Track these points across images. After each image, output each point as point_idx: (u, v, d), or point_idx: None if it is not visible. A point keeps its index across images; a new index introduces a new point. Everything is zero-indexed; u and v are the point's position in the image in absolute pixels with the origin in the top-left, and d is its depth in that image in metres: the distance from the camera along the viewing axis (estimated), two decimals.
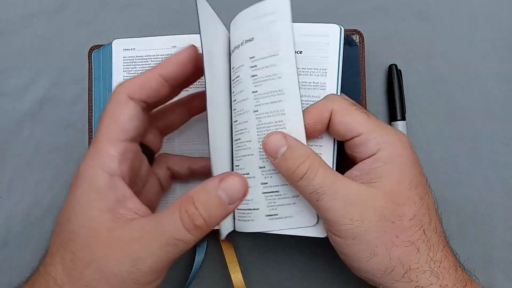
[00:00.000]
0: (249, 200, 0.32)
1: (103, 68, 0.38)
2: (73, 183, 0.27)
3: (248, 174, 0.32)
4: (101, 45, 0.40)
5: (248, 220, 0.33)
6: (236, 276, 0.36)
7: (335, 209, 0.28)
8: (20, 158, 0.40)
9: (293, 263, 0.39)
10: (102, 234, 0.25)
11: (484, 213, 0.39)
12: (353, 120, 0.30)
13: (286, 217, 0.32)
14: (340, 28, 0.33)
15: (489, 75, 0.40)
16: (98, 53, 0.39)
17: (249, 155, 0.32)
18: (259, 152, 0.32)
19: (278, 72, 0.31)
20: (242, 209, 0.33)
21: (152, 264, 0.25)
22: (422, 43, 0.41)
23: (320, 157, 0.30)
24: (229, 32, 0.34)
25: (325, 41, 0.33)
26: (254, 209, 0.32)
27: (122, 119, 0.28)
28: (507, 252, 0.38)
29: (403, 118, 0.39)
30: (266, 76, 0.31)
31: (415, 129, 0.40)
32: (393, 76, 0.39)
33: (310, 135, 0.31)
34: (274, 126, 0.31)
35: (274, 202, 0.32)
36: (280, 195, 0.32)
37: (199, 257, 0.38)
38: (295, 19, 0.41)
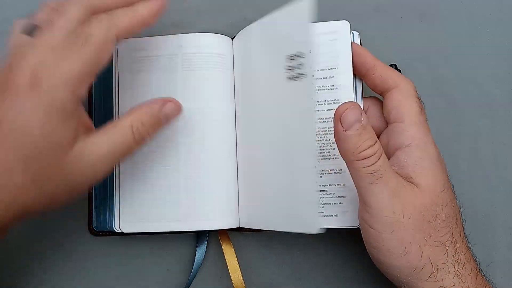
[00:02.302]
0: None
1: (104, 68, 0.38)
2: None
3: None
4: None
5: None
6: (236, 276, 0.36)
7: (383, 197, 0.29)
8: None
9: (293, 263, 0.39)
10: None
11: (484, 213, 0.39)
12: (406, 106, 0.31)
13: (331, 216, 0.34)
14: (349, 24, 0.35)
15: (489, 75, 0.40)
16: None
17: None
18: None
19: (336, 84, 0.35)
20: None
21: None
22: (422, 43, 0.41)
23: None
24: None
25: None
26: None
27: None
28: (507, 252, 0.38)
29: None
30: (323, 86, 0.35)
31: None
32: None
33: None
34: (328, 130, 0.35)
35: (322, 201, 0.34)
36: (328, 194, 0.34)
37: (199, 257, 0.38)
38: None
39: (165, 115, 0.31)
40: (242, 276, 0.36)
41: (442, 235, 0.29)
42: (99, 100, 0.38)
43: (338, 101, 0.35)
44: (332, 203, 0.34)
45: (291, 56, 0.31)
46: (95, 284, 0.38)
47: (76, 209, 0.39)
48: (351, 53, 0.35)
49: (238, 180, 0.37)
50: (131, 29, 0.30)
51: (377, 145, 0.29)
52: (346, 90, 0.35)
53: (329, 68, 0.35)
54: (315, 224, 0.29)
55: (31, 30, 0.29)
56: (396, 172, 0.30)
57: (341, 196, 0.34)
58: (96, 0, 0.29)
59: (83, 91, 0.28)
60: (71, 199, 0.29)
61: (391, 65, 0.40)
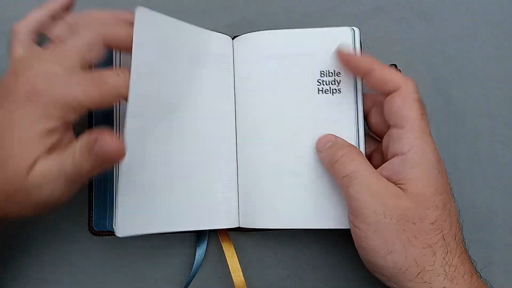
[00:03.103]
0: None
1: (104, 68, 0.38)
2: None
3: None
4: None
5: None
6: (237, 275, 0.36)
7: (362, 199, 0.30)
8: None
9: (293, 262, 0.39)
10: None
11: (484, 213, 0.39)
12: (408, 111, 0.31)
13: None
14: (354, 31, 0.35)
15: (489, 75, 0.40)
16: None
17: None
18: None
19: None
20: None
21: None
22: (422, 43, 0.41)
23: (361, 152, 0.33)
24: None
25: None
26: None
27: None
28: (507, 252, 0.38)
29: None
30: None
31: None
32: None
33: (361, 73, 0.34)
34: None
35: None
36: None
37: (199, 257, 0.38)
38: (294, 19, 0.41)
39: (101, 154, 0.27)
40: (243, 275, 0.36)
41: (430, 238, 0.29)
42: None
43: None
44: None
45: (324, 72, 0.35)
46: (95, 284, 0.38)
47: (76, 209, 0.39)
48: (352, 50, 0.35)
49: (238, 179, 0.37)
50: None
51: (348, 149, 0.32)
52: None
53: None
54: (346, 219, 0.32)
55: (43, 41, 0.29)
56: (387, 177, 0.31)
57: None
58: (110, 31, 0.30)
59: (73, 119, 0.28)
60: (39, 214, 0.30)
61: (391, 65, 0.40)
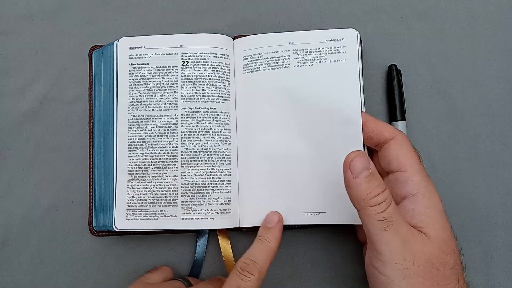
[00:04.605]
0: None
1: (104, 68, 0.38)
2: None
3: None
4: (102, 45, 0.40)
5: None
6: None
7: (394, 244, 0.29)
8: (20, 158, 0.40)
9: (293, 263, 0.39)
10: None
11: (484, 213, 0.39)
12: (407, 155, 0.32)
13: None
14: (358, 33, 0.35)
15: (489, 75, 0.40)
16: (99, 53, 0.39)
17: None
18: None
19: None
20: None
21: None
22: (422, 43, 0.41)
23: None
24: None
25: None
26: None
27: None
28: (507, 252, 0.38)
29: (403, 118, 0.39)
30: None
31: (415, 129, 0.40)
32: (392, 76, 0.39)
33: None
34: None
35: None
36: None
37: (199, 257, 0.38)
38: (295, 19, 0.41)
39: None
40: None
41: (449, 283, 0.29)
42: (99, 100, 0.38)
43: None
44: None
45: None
46: (95, 284, 0.38)
47: (76, 209, 0.39)
48: (358, 61, 0.35)
49: (239, 179, 0.37)
50: None
51: (387, 193, 0.30)
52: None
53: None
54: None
55: (185, 281, 0.32)
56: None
57: None
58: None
59: None
60: None
61: (391, 65, 0.40)
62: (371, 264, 0.30)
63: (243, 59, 0.37)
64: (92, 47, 0.40)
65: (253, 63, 0.37)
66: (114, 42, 0.37)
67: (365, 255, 0.37)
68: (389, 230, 0.29)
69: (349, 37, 0.35)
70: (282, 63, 0.36)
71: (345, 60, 0.35)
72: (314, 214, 0.35)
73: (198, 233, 0.38)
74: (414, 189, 0.31)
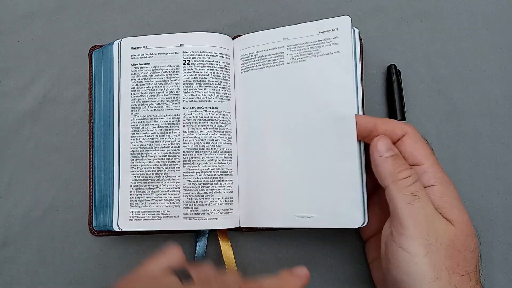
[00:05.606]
0: None
1: (104, 68, 0.38)
2: None
3: None
4: (102, 45, 0.40)
5: None
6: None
7: (420, 219, 0.30)
8: (20, 158, 0.40)
9: (293, 263, 0.38)
10: None
11: (484, 213, 0.39)
12: (421, 149, 0.32)
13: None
14: (354, 30, 0.35)
15: (489, 75, 0.40)
16: (99, 53, 0.39)
17: None
18: None
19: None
20: None
21: None
22: (422, 43, 0.41)
23: None
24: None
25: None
26: None
27: None
28: (507, 252, 0.38)
29: (403, 118, 0.39)
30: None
31: None
32: (392, 76, 0.39)
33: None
34: None
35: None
36: None
37: (199, 257, 0.38)
38: (294, 19, 0.41)
39: None
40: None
41: (469, 265, 0.30)
42: (99, 100, 0.38)
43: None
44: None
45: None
46: (95, 284, 0.38)
47: (76, 209, 0.39)
48: (352, 52, 0.34)
49: (238, 179, 0.37)
50: None
51: (412, 170, 0.31)
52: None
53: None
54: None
55: (185, 277, 0.30)
56: None
57: None
58: None
59: None
60: None
61: (390, 65, 0.40)
62: (393, 242, 0.31)
63: (241, 59, 0.37)
64: (92, 47, 0.40)
65: (249, 62, 0.37)
66: (114, 42, 0.37)
67: (367, 251, 0.37)
68: (416, 205, 0.30)
69: (343, 26, 0.34)
70: (276, 61, 0.36)
71: (338, 52, 0.34)
72: (307, 217, 0.35)
73: (198, 233, 0.38)
74: (432, 180, 0.32)
